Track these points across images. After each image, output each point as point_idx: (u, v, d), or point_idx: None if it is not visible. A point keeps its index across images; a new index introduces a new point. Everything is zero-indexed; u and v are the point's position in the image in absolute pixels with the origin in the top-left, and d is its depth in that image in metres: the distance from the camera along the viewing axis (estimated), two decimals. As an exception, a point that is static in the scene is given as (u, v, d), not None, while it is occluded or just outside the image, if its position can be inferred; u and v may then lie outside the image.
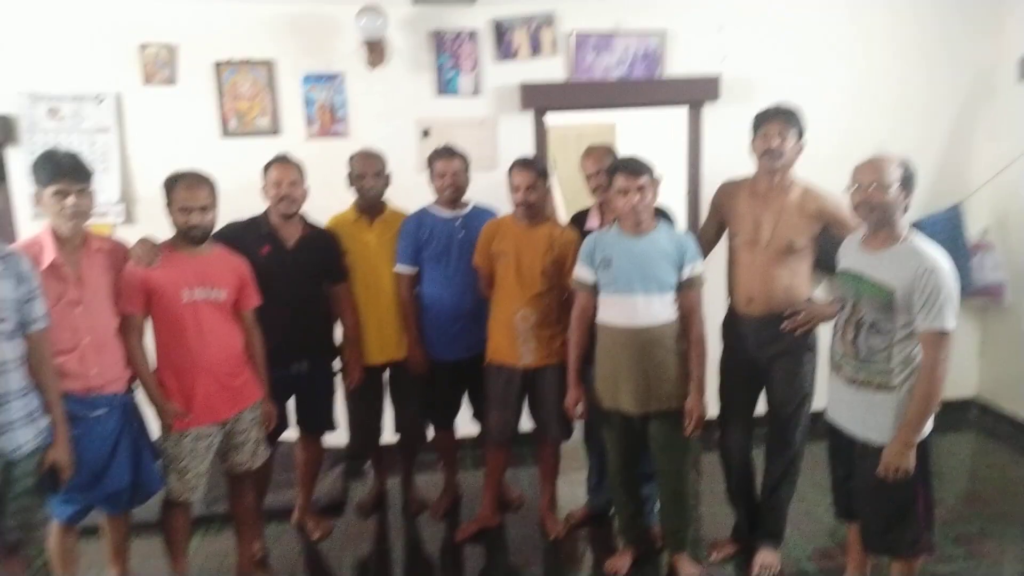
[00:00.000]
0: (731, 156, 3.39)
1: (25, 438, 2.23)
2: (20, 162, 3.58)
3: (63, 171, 2.43)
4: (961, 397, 4.57)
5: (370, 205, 3.26)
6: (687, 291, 2.76)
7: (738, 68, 4.07)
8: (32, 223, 3.53)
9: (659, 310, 2.73)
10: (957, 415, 4.51)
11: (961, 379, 4.51)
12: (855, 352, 2.38)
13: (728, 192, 2.96)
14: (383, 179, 3.26)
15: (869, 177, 2.28)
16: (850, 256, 2.47)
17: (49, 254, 2.45)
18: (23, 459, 2.23)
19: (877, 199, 2.27)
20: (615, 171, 2.74)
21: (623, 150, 6.35)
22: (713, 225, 3.05)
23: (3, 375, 2.17)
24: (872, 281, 2.32)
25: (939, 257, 2.22)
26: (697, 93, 4.06)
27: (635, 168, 2.71)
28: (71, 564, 2.71)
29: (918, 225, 4.15)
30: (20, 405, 2.22)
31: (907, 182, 2.28)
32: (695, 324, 2.78)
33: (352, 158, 3.26)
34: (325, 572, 3.19)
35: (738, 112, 3.31)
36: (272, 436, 3.07)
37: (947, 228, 4.22)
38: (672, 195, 4.39)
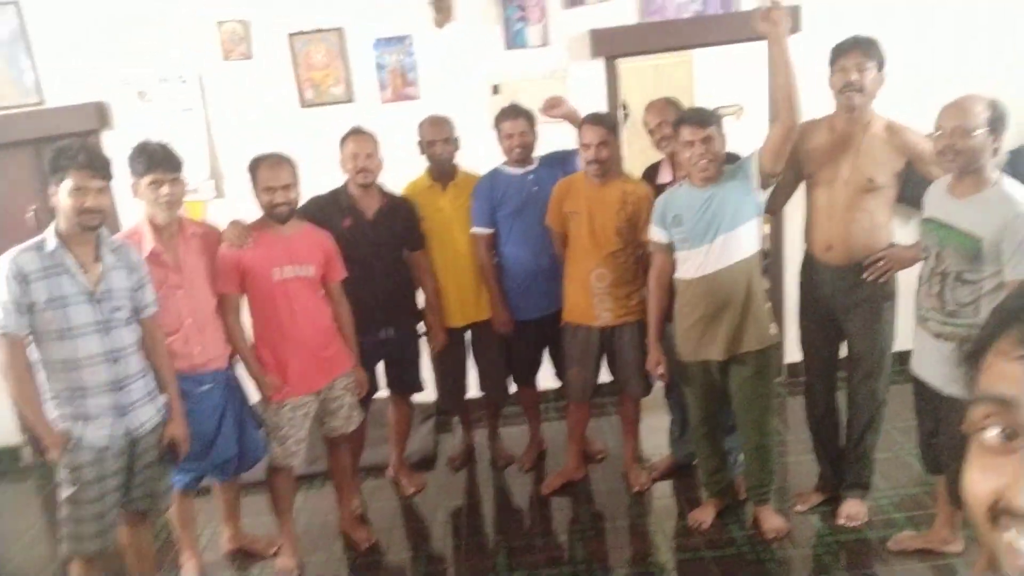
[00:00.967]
0: (815, 91, 3.22)
1: (147, 415, 2.45)
2: (116, 147, 3.78)
3: (157, 161, 2.59)
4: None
5: (442, 171, 3.30)
6: (762, 156, 2.63)
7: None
8: (129, 209, 3.76)
9: (738, 246, 2.66)
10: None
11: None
12: (941, 305, 2.29)
13: (806, 132, 2.79)
14: (452, 144, 3.29)
15: (953, 121, 2.15)
16: (935, 203, 2.35)
17: (148, 243, 2.63)
18: (146, 435, 2.45)
19: (961, 144, 2.14)
20: (680, 123, 2.67)
21: (701, 85, 6.23)
22: (792, 168, 2.92)
23: (124, 359, 2.37)
24: (958, 229, 2.21)
25: None
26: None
27: (701, 119, 2.63)
28: (190, 525, 2.99)
29: (1016, 153, 3.88)
30: (140, 386, 2.43)
31: (995, 124, 2.14)
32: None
33: (421, 125, 3.29)
34: (421, 524, 3.38)
35: (821, 45, 3.14)
36: (364, 399, 3.23)
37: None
38: (754, 130, 4.25)
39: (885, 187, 2.66)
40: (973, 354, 0.62)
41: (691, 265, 2.75)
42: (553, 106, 3.23)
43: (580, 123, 3.07)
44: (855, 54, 2.58)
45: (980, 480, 0.58)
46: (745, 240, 2.68)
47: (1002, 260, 2.12)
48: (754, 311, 2.73)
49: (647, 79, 6.14)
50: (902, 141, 2.62)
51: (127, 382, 2.38)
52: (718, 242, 2.67)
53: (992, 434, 0.58)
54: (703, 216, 2.67)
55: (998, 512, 0.57)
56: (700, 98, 6.28)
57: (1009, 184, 2.16)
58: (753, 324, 2.74)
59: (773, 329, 2.81)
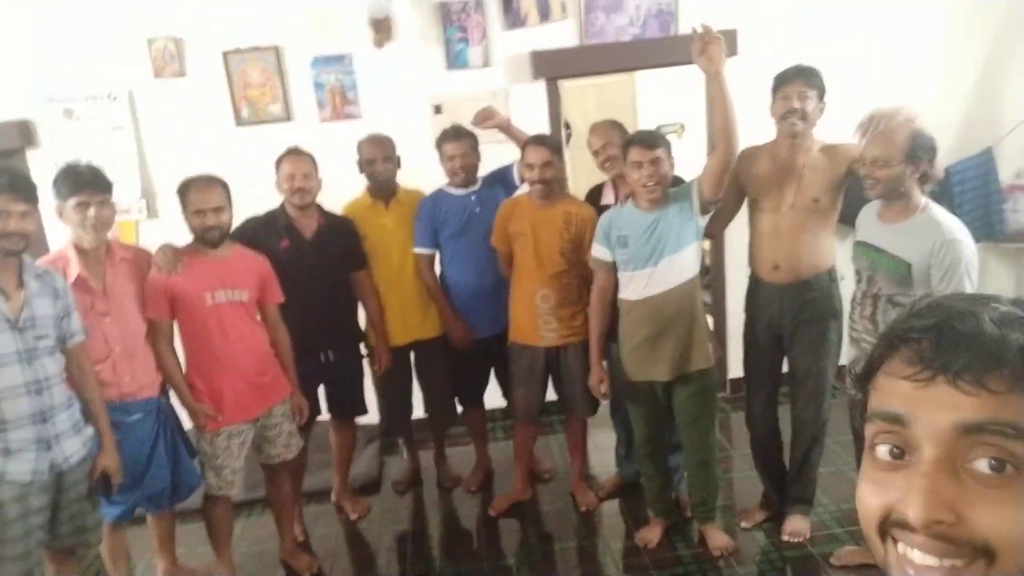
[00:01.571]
0: (750, 114, 3.30)
1: (73, 448, 2.33)
2: (42, 167, 3.63)
3: (84, 183, 2.48)
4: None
5: (383, 189, 3.26)
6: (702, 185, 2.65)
7: (756, 23, 3.92)
8: (58, 234, 3.61)
9: (681, 269, 2.70)
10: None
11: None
12: (874, 327, 2.35)
13: (747, 158, 2.87)
14: (393, 162, 3.26)
15: (873, 151, 2.23)
16: (866, 227, 2.42)
17: (74, 268, 2.52)
18: (73, 468, 2.33)
19: (880, 174, 2.22)
20: (629, 144, 2.69)
21: (643, 104, 6.32)
22: (734, 193, 2.99)
23: (48, 389, 2.25)
24: (889, 254, 2.27)
25: (957, 227, 2.16)
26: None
27: (650, 141, 2.66)
28: (122, 560, 2.84)
29: (950, 171, 4.04)
30: (65, 417, 2.31)
31: (916, 153, 2.21)
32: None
33: (360, 144, 3.25)
34: (365, 550, 3.31)
35: (757, 69, 3.21)
36: (306, 424, 3.14)
37: (980, 172, 4.10)
38: (695, 149, 4.33)
39: (829, 208, 2.72)
40: (865, 375, 0.65)
41: (635, 287, 2.76)
42: (485, 118, 3.23)
43: (523, 144, 3.08)
44: (798, 83, 2.64)
45: (871, 494, 0.61)
46: (687, 262, 2.71)
47: (932, 284, 2.18)
48: (697, 331, 2.76)
49: (589, 98, 6.21)
50: (839, 155, 2.67)
51: (51, 414, 2.26)
52: (662, 265, 2.69)
53: (883, 450, 0.61)
54: (648, 239, 2.69)
55: (888, 526, 0.59)
56: (642, 117, 6.38)
57: (937, 210, 2.24)
58: (697, 344, 2.77)
59: (713, 347, 2.84)
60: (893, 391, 0.61)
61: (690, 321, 2.74)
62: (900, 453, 0.60)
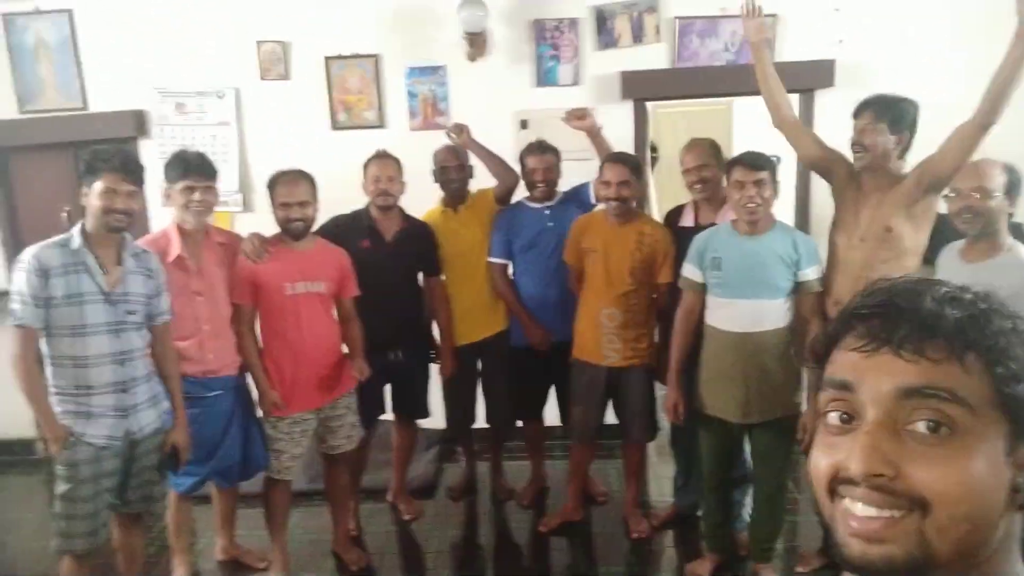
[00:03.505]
0: (846, 145, 3.20)
1: (149, 419, 2.47)
2: (151, 155, 3.89)
3: (193, 168, 2.67)
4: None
5: (453, 196, 3.33)
6: (803, 295, 2.66)
7: (855, 53, 3.81)
8: (162, 214, 3.85)
9: (770, 315, 2.63)
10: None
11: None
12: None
13: (848, 172, 2.70)
14: (466, 171, 3.33)
15: (971, 183, 2.13)
16: (947, 267, 2.31)
17: (175, 248, 2.69)
18: (146, 438, 2.47)
19: (980, 206, 2.11)
20: (734, 163, 2.65)
21: (739, 133, 6.21)
22: (823, 155, 2.78)
23: (131, 362, 2.41)
24: None
25: None
26: (809, 79, 3.85)
27: (756, 162, 2.60)
28: (184, 531, 2.99)
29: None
30: (145, 389, 2.46)
31: (1011, 188, 2.11)
32: (810, 331, 2.64)
33: (436, 152, 3.34)
34: (414, 551, 3.35)
35: (854, 99, 3.11)
36: (368, 420, 3.23)
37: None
38: (788, 184, 4.22)
39: (904, 239, 2.57)
40: (823, 352, 0.71)
41: (725, 315, 2.69)
42: (578, 117, 3.24)
43: (602, 160, 3.09)
44: (867, 115, 2.54)
45: (822, 456, 0.67)
46: (782, 309, 2.65)
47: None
48: (781, 379, 2.66)
49: (681, 124, 6.15)
50: (917, 172, 2.51)
51: (132, 384, 2.41)
52: (757, 303, 2.62)
53: (833, 417, 0.67)
54: (744, 266, 2.63)
55: (836, 484, 0.65)
56: (736, 147, 6.26)
57: (1023, 251, 2.12)
58: (780, 392, 2.68)
59: (800, 396, 2.73)
60: (844, 362, 0.68)
61: (775, 369, 2.65)
62: (848, 419, 0.66)
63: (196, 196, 2.65)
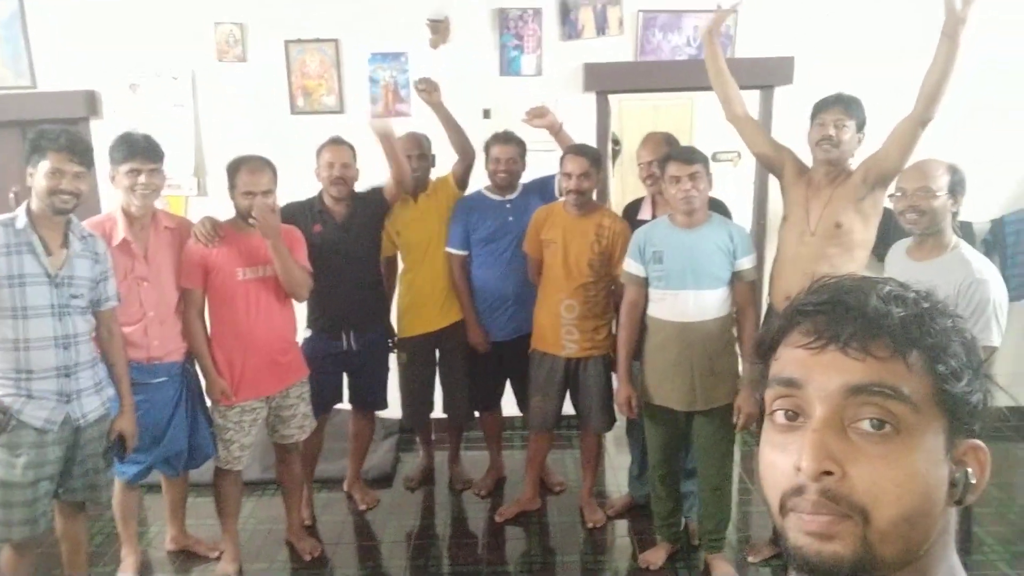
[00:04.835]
0: (804, 142, 3.25)
1: (92, 406, 2.41)
2: (103, 136, 3.78)
3: (138, 150, 2.59)
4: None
5: (414, 188, 3.28)
6: (740, 285, 2.72)
7: (813, 51, 3.86)
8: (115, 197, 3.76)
9: (711, 305, 2.69)
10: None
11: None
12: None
13: (794, 170, 2.78)
14: (427, 160, 3.30)
15: (916, 183, 2.17)
16: (895, 265, 2.36)
17: (120, 231, 2.63)
18: (90, 425, 2.41)
19: (925, 205, 2.16)
20: (668, 159, 2.68)
21: (701, 128, 6.26)
22: (774, 152, 2.84)
23: (75, 346, 2.34)
24: None
25: (989, 268, 2.10)
26: (769, 76, 3.89)
27: (688, 156, 2.65)
28: (131, 520, 2.93)
29: (1004, 220, 3.91)
30: (88, 375, 2.40)
31: (955, 188, 2.17)
32: (748, 318, 2.74)
33: (398, 140, 3.29)
34: (369, 541, 3.32)
35: (813, 97, 3.16)
36: (323, 409, 3.19)
37: (1038, 225, 3.94)
38: (750, 179, 4.27)
39: (853, 234, 2.62)
40: (769, 350, 0.71)
41: (666, 306, 2.74)
42: (538, 115, 3.23)
43: (563, 152, 3.08)
44: (835, 110, 2.60)
45: (770, 455, 0.68)
46: (721, 298, 2.70)
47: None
48: (725, 368, 2.73)
49: (646, 118, 6.18)
50: (863, 169, 2.59)
51: (75, 370, 2.35)
52: (698, 293, 2.67)
53: (779, 415, 0.68)
54: (684, 259, 2.67)
55: (786, 499, 0.65)
56: (699, 142, 6.31)
57: (967, 249, 2.18)
58: (723, 379, 2.73)
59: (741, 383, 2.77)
60: (790, 359, 0.68)
61: (718, 358, 2.71)
62: (795, 416, 0.67)
63: (142, 179, 2.59)
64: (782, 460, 0.66)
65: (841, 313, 0.66)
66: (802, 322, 0.68)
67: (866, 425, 0.63)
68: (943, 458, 0.64)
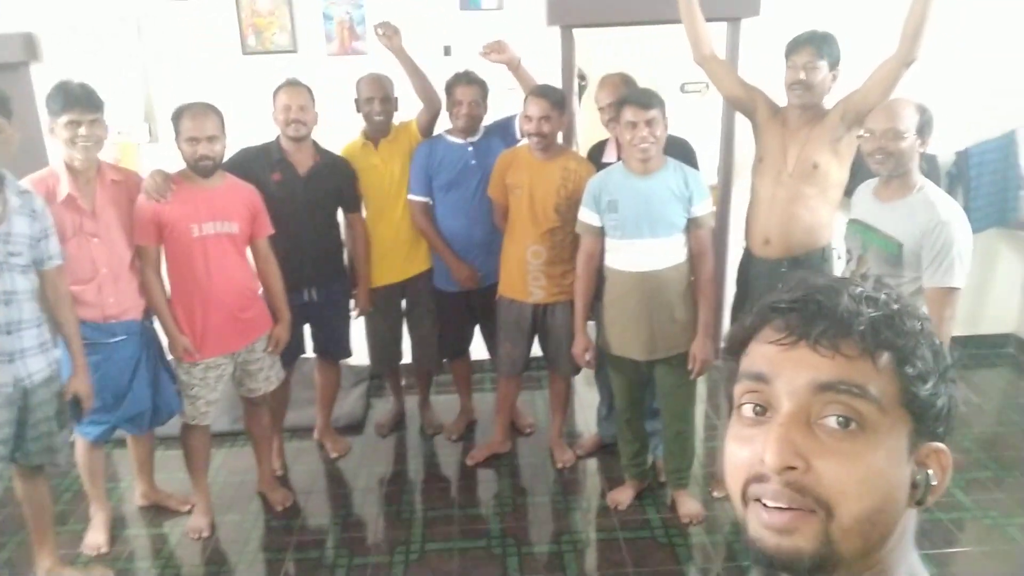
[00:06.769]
0: (772, 77, 3.19)
1: (38, 366, 2.34)
2: (44, 82, 3.59)
3: (75, 100, 2.46)
4: (1000, 332, 4.40)
5: (376, 130, 3.19)
6: (696, 231, 2.69)
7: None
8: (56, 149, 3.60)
9: (667, 252, 2.67)
10: (994, 350, 4.36)
11: (1002, 314, 4.33)
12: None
13: (767, 112, 2.75)
14: (391, 104, 3.18)
15: (883, 124, 2.15)
16: (861, 205, 2.36)
17: (64, 187, 2.51)
18: (37, 387, 2.34)
19: (892, 147, 2.14)
20: (623, 103, 2.61)
21: (669, 61, 6.14)
22: (745, 94, 2.81)
23: (17, 304, 2.26)
24: (882, 233, 2.21)
25: (954, 210, 2.10)
26: (735, 8, 3.80)
27: (645, 100, 2.57)
28: (99, 478, 2.90)
29: (968, 153, 3.92)
30: (33, 335, 2.32)
31: (923, 128, 2.14)
32: (704, 265, 2.72)
33: (359, 82, 3.18)
34: (341, 489, 3.35)
35: (781, 29, 3.09)
36: (288, 360, 3.16)
37: (999, 156, 3.96)
38: (716, 111, 4.21)
39: (828, 176, 2.61)
40: (740, 345, 0.72)
41: (623, 256, 2.72)
42: (494, 50, 3.12)
43: (525, 95, 3.00)
44: (806, 52, 2.55)
45: (735, 448, 0.68)
46: (678, 246, 2.68)
47: (922, 266, 2.12)
48: (682, 315, 2.73)
49: (612, 51, 6.05)
50: (840, 108, 2.56)
51: (16, 328, 2.26)
52: (654, 241, 2.64)
53: (747, 408, 0.68)
54: (639, 206, 2.63)
55: (748, 486, 0.66)
56: (667, 74, 6.21)
57: (933, 191, 2.17)
58: (683, 327, 2.74)
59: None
60: (760, 354, 0.69)
61: (676, 305, 2.71)
62: (762, 411, 0.67)
63: (82, 131, 2.46)
64: (747, 452, 0.67)
65: (813, 311, 0.66)
66: (774, 319, 0.69)
67: (832, 422, 0.63)
68: (906, 459, 0.65)
